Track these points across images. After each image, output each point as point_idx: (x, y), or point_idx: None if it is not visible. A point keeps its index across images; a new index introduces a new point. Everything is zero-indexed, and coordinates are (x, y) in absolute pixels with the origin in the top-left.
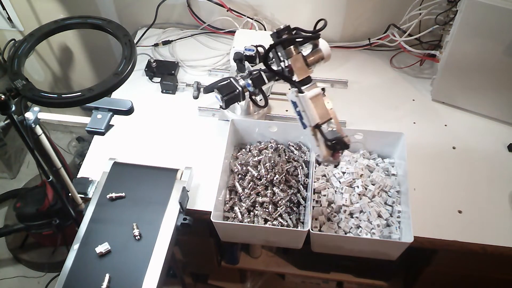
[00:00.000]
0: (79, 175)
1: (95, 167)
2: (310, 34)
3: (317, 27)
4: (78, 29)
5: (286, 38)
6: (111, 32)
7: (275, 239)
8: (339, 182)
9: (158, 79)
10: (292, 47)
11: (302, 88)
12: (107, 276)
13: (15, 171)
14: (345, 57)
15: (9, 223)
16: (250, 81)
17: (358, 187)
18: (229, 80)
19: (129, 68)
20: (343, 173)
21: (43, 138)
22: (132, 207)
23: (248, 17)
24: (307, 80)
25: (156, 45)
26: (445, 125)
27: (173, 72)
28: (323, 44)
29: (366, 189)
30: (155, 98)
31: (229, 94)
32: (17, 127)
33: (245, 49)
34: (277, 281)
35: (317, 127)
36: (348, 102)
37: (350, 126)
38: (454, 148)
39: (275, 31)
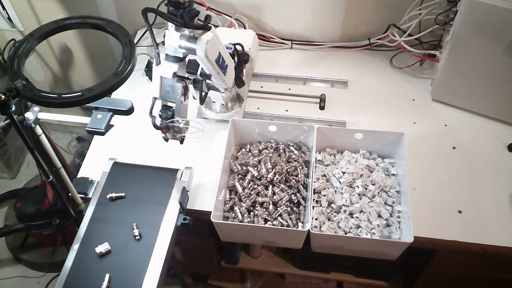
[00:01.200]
0: (79, 175)
1: (95, 167)
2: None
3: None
4: (78, 29)
5: (159, 11)
6: (111, 32)
7: (275, 239)
8: (339, 182)
9: None
10: None
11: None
12: (107, 276)
13: (15, 171)
14: (345, 57)
15: (9, 223)
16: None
17: (358, 187)
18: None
19: (129, 68)
20: (343, 173)
21: (43, 138)
22: (132, 207)
23: (227, 15)
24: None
25: None
26: (445, 125)
27: None
28: (202, 39)
29: (366, 189)
30: None
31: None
32: (17, 127)
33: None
34: (277, 281)
35: (155, 100)
36: (348, 102)
37: (350, 126)
38: (454, 148)
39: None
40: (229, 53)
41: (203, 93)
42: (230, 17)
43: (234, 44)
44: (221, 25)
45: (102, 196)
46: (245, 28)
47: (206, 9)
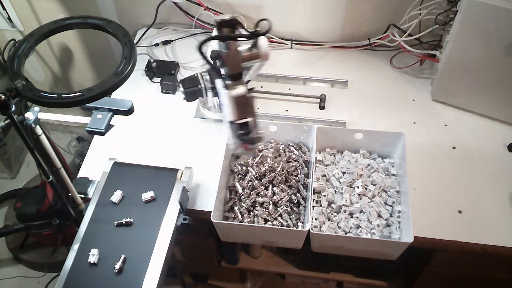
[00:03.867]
0: (79, 175)
1: (95, 167)
2: (249, 34)
3: (261, 27)
4: (78, 29)
5: (222, 36)
6: (111, 32)
7: (275, 239)
8: (339, 182)
9: (158, 79)
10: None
11: (230, 83)
12: (107, 276)
13: (15, 171)
14: (345, 57)
15: (9, 223)
16: (208, 76)
17: (358, 187)
18: (195, 75)
19: (129, 68)
20: (343, 173)
21: (43, 138)
22: (132, 207)
23: (226, 15)
24: (237, 76)
25: (156, 45)
26: (445, 125)
27: (173, 72)
28: (263, 43)
29: (366, 189)
30: (155, 98)
31: (190, 88)
32: (17, 127)
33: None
34: (277, 281)
35: (232, 123)
36: (348, 102)
37: (350, 126)
38: (454, 148)
39: (218, 20)
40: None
41: None
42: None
43: None
44: None
45: (102, 196)
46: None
47: (204, 9)
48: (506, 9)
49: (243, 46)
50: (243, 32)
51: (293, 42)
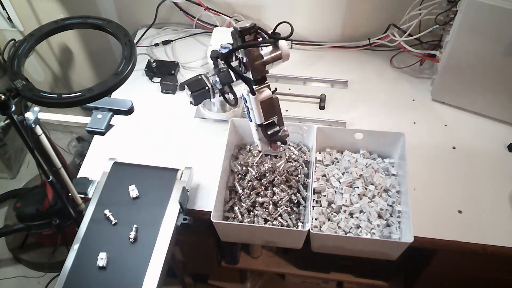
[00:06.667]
0: (79, 175)
1: (95, 167)
2: (272, 39)
3: (280, 31)
4: (78, 29)
5: (248, 44)
6: (111, 32)
7: (275, 239)
8: (339, 182)
9: (158, 79)
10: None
11: (255, 87)
12: (107, 276)
13: (15, 171)
14: (345, 57)
15: (9, 223)
16: (217, 78)
17: (358, 187)
18: (199, 77)
19: (129, 68)
20: (343, 173)
21: (43, 138)
22: (132, 207)
23: (225, 15)
24: (262, 80)
25: (156, 45)
26: (445, 125)
27: (173, 72)
28: (283, 44)
29: (366, 189)
30: (155, 98)
31: (198, 90)
32: (17, 127)
33: (221, 47)
34: (277, 281)
35: (260, 126)
36: (348, 102)
37: (350, 126)
38: (454, 148)
39: (238, 29)
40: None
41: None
42: (230, 17)
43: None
44: (220, 25)
45: (102, 196)
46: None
47: (204, 9)
48: (506, 9)
49: (264, 50)
50: (262, 36)
51: (293, 42)
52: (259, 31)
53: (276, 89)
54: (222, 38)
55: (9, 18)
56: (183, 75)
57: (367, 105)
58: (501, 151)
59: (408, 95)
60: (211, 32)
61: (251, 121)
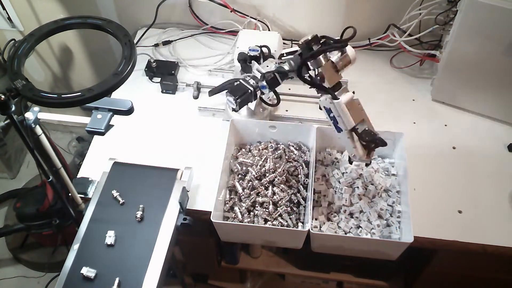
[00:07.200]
0: (79, 175)
1: (95, 167)
2: (340, 44)
3: (345, 35)
4: (78, 29)
5: (318, 50)
6: (111, 32)
7: (275, 239)
8: (339, 182)
9: (158, 79)
10: (321, 56)
11: (336, 93)
12: (107, 276)
13: (15, 171)
14: None
15: (9, 223)
16: (265, 83)
17: (358, 187)
18: (238, 82)
19: (129, 68)
20: (343, 173)
21: (43, 138)
22: (132, 207)
23: (251, 17)
24: (339, 86)
25: (156, 45)
26: (445, 125)
27: (173, 72)
28: (349, 49)
29: (366, 189)
30: (155, 98)
31: (242, 95)
32: (17, 127)
33: (249, 50)
34: (277, 281)
35: (353, 129)
36: None
37: None
38: (454, 148)
39: (303, 42)
40: (256, 55)
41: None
42: (255, 19)
43: (261, 47)
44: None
45: (102, 196)
46: (269, 30)
47: (231, 11)
48: (506, 9)
49: (333, 57)
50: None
51: (293, 42)
52: (326, 40)
53: (354, 91)
54: (248, 40)
55: (9, 18)
56: (183, 75)
57: (367, 105)
58: (501, 151)
59: (408, 95)
60: (212, 33)
61: (340, 131)
